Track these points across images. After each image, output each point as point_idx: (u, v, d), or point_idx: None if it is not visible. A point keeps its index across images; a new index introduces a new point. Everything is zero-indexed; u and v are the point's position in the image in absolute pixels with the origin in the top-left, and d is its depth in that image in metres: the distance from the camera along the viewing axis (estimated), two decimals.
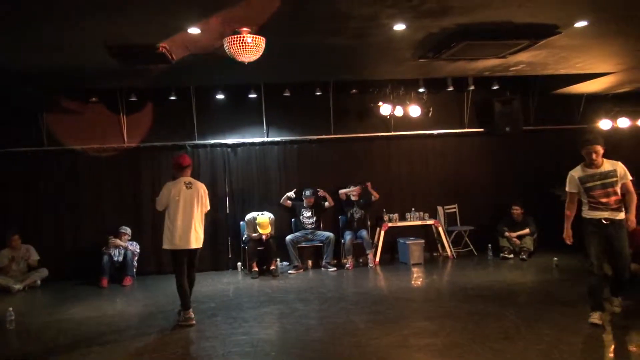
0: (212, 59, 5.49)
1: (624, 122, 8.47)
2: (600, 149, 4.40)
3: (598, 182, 4.43)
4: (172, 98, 7.51)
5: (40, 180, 7.69)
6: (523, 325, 4.49)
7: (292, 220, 8.00)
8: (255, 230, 7.41)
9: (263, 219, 7.37)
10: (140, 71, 5.93)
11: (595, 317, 4.33)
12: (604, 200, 4.40)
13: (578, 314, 4.75)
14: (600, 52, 5.95)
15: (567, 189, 4.65)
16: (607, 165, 4.45)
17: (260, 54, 4.74)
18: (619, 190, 4.40)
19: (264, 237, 7.35)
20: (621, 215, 4.41)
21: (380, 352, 4.02)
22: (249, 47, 4.53)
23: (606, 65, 6.65)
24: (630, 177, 4.45)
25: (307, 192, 7.78)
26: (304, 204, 7.84)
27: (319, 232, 7.83)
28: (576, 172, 4.56)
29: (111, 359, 4.17)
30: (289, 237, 7.69)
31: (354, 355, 3.99)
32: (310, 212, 7.85)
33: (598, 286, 4.41)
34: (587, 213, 4.50)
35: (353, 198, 7.88)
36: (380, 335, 4.44)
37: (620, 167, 4.44)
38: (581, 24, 4.80)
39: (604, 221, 4.39)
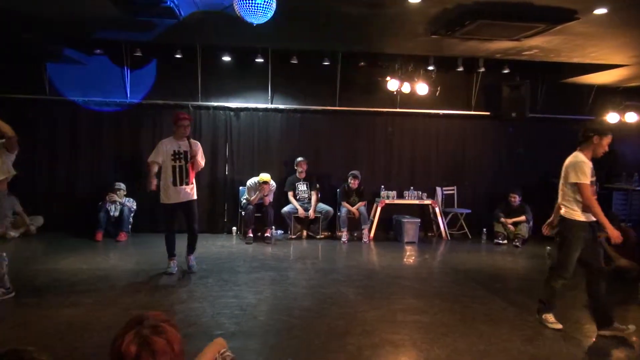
0: (220, 19, 5.37)
1: (632, 117, 8.36)
2: None
3: (594, 179, 3.86)
4: (178, 56, 7.38)
5: (40, 129, 7.63)
6: (510, 311, 4.53)
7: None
8: (257, 188, 7.32)
9: (265, 176, 7.30)
10: (146, 24, 5.79)
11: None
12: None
13: (564, 304, 4.78)
14: (616, 42, 5.82)
15: (582, 179, 3.77)
16: None
17: (270, 16, 4.61)
18: None
19: (265, 195, 7.27)
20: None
21: (367, 324, 4.06)
22: (258, 8, 4.40)
23: (621, 56, 6.52)
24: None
25: (300, 158, 7.72)
26: (297, 175, 7.79)
27: (319, 205, 7.79)
28: (588, 162, 3.84)
29: (99, 312, 4.20)
30: (285, 209, 7.67)
31: (340, 326, 4.03)
32: (305, 186, 7.82)
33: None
34: (582, 215, 3.85)
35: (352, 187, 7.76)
36: (369, 308, 4.48)
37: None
38: (601, 10, 4.67)
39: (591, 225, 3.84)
